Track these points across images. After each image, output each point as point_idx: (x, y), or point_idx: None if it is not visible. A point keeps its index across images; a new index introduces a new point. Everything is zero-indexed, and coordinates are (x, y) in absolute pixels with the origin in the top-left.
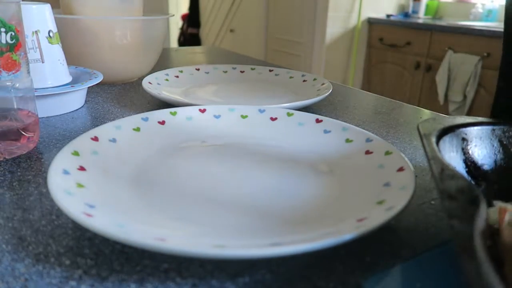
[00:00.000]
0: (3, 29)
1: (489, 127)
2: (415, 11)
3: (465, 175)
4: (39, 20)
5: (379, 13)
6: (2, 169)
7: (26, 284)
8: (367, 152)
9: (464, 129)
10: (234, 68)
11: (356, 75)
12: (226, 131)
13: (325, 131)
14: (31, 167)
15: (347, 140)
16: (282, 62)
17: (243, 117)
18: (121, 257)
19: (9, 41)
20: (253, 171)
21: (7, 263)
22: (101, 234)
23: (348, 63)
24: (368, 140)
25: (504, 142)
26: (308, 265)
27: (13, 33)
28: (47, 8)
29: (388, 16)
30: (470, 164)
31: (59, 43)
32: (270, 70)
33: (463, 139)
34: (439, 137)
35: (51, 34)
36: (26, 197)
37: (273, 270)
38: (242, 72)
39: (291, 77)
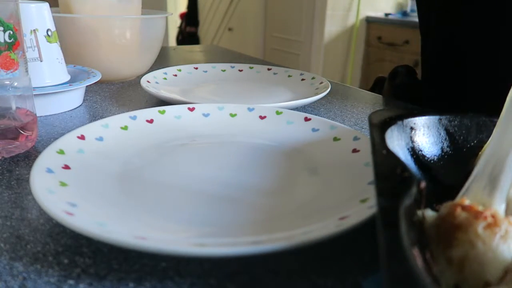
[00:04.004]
0: (1, 28)
1: (436, 117)
2: (413, 10)
3: (412, 162)
4: (37, 19)
5: (378, 12)
6: (0, 168)
7: (24, 283)
8: (354, 151)
9: (412, 119)
10: (233, 67)
11: (354, 73)
12: (214, 130)
13: (313, 130)
14: (30, 166)
15: (335, 139)
16: (280, 60)
17: (232, 115)
18: (119, 256)
19: (7, 39)
20: (241, 169)
21: (6, 262)
22: (80, 233)
23: (347, 62)
24: (356, 138)
25: (450, 131)
26: (307, 263)
27: (11, 32)
28: (45, 6)
29: (386, 14)
30: (418, 151)
31: (58, 41)
32: (269, 69)
33: (412, 128)
34: (389, 127)
35: (49, 33)
36: (25, 196)
37: (272, 269)
38: (240, 70)
39: (289, 76)
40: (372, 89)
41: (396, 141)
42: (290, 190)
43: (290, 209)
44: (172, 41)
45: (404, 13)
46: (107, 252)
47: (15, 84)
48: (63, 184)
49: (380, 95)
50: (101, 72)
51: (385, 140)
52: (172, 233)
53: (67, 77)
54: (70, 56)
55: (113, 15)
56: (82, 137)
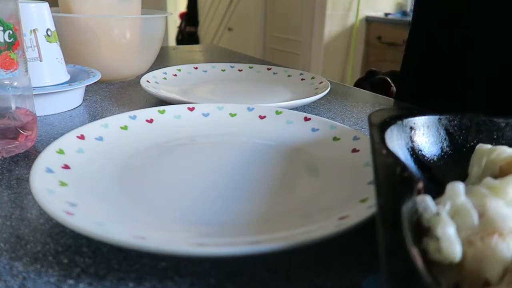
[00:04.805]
0: (1, 28)
1: (436, 117)
2: None
3: (412, 162)
4: (37, 19)
5: (377, 12)
6: (0, 167)
7: (24, 283)
8: (354, 150)
9: (412, 119)
10: (232, 67)
11: (354, 73)
12: (214, 130)
13: (313, 129)
14: (29, 165)
15: (335, 139)
16: (280, 60)
17: (232, 115)
18: (119, 255)
19: (7, 39)
20: (240, 169)
21: (5, 261)
22: (80, 233)
23: (346, 62)
24: (356, 138)
25: (450, 131)
26: (306, 263)
27: (11, 32)
28: (45, 6)
29: (386, 14)
30: (418, 151)
31: (57, 41)
32: (268, 69)
33: (411, 128)
34: (388, 126)
35: (49, 33)
36: (24, 196)
37: (271, 269)
38: (240, 70)
39: (289, 76)
40: (359, 81)
41: (396, 141)
42: (290, 189)
43: (289, 209)
44: (172, 41)
45: (404, 13)
46: (106, 252)
47: (15, 84)
48: (63, 184)
49: (379, 94)
50: (101, 71)
51: (385, 140)
52: (171, 233)
53: (66, 77)
54: (70, 56)
55: (113, 15)
56: (82, 137)
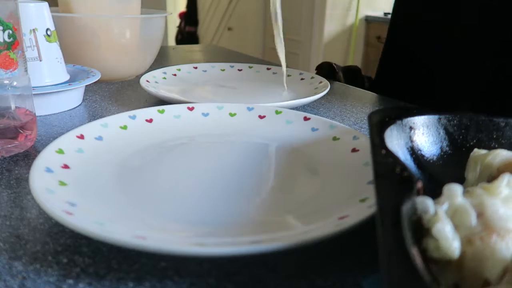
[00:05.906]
0: (0, 27)
1: (435, 116)
2: None
3: (411, 162)
4: (37, 18)
5: (377, 11)
6: None
7: (23, 283)
8: (354, 150)
9: (412, 118)
10: (232, 67)
11: None
12: (214, 129)
13: (313, 129)
14: (29, 165)
15: (334, 138)
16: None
17: (232, 115)
18: (119, 255)
19: (6, 39)
20: (240, 169)
21: (5, 261)
22: (79, 232)
23: (346, 61)
24: (355, 137)
25: (450, 130)
26: (306, 263)
27: (10, 31)
28: (45, 6)
29: (385, 14)
30: (417, 151)
31: (57, 41)
32: (268, 68)
33: (411, 128)
34: (388, 126)
35: (49, 32)
36: (24, 196)
37: (271, 269)
38: (239, 70)
39: (289, 75)
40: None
41: (395, 141)
42: (290, 189)
43: (289, 208)
44: (172, 41)
45: None
46: (106, 252)
47: (15, 83)
48: (62, 183)
49: (379, 94)
50: (101, 71)
51: (384, 140)
52: (171, 233)
53: (66, 77)
54: (70, 55)
55: (112, 15)
56: (81, 137)
